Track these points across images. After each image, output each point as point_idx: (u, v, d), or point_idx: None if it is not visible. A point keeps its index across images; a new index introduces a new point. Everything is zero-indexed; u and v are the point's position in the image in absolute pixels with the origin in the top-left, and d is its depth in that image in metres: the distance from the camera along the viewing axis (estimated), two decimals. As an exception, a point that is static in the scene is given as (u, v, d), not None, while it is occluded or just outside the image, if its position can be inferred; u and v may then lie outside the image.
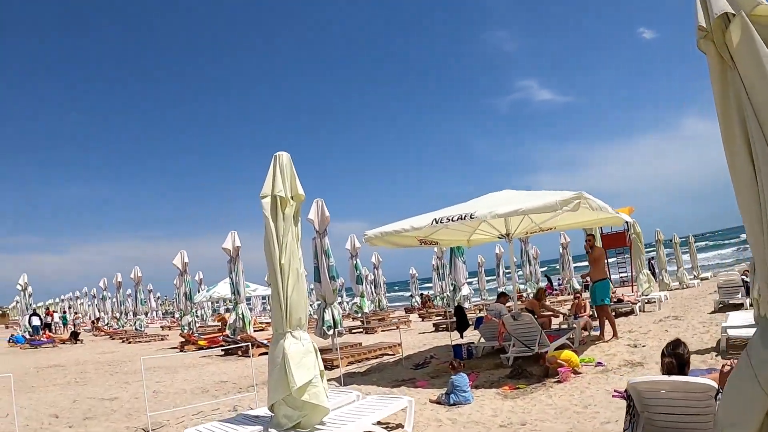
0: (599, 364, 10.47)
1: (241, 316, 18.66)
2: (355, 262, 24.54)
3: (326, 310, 15.11)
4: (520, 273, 31.12)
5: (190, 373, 15.03)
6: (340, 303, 43.45)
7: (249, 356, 17.54)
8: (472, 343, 14.07)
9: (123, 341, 28.91)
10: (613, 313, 14.38)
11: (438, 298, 38.40)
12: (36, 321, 33.09)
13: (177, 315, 46.96)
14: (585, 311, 14.83)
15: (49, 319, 38.26)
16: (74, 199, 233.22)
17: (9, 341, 29.84)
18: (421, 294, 46.33)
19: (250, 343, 17.90)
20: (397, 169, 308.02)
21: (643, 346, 11.74)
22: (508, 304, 15.11)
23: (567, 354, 10.16)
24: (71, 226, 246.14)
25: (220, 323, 30.30)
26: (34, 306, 37.43)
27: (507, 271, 33.78)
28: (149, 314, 41.95)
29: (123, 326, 35.33)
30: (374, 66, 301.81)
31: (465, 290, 22.51)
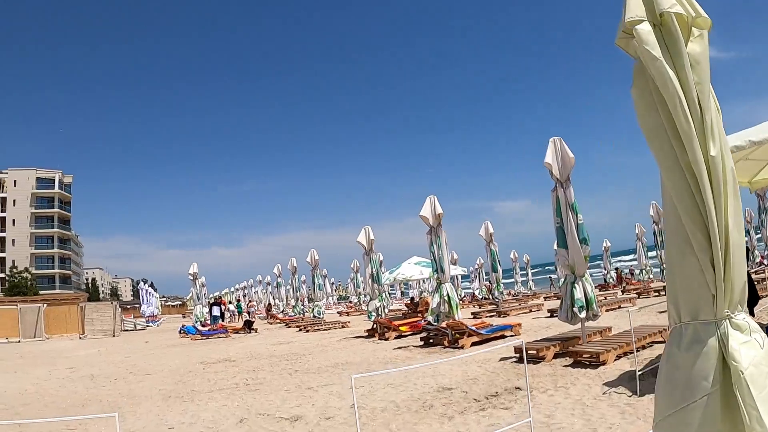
0: None
1: (446, 298, 14.46)
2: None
3: (576, 285, 10.64)
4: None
5: (391, 372, 11.07)
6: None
7: (458, 348, 13.54)
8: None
9: (300, 329, 25.96)
10: None
11: (644, 271, 32.91)
12: (217, 311, 31.83)
13: (353, 300, 44.71)
14: None
15: (223, 308, 36.77)
16: (247, 195, 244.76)
17: (180, 332, 27.92)
18: (616, 269, 40.73)
19: (461, 333, 13.98)
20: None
21: None
22: None
23: None
24: (245, 221, 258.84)
25: (407, 307, 26.72)
26: (212, 295, 36.48)
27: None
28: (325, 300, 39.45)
29: (300, 313, 32.76)
30: (523, 36, 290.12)
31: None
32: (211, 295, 42.20)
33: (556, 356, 10.77)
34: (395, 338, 17.66)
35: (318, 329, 24.72)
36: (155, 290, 70.65)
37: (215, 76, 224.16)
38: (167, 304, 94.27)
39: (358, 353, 14.92)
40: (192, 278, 30.72)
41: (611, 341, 10.63)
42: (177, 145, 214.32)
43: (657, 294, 25.38)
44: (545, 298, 34.07)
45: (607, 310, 19.37)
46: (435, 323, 14.72)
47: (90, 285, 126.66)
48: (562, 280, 11.49)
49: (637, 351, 10.47)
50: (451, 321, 14.37)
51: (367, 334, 19.54)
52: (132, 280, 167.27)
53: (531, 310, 24.28)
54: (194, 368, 14.63)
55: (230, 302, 46.67)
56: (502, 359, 11.18)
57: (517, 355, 11.00)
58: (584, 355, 10.09)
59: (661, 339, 11.32)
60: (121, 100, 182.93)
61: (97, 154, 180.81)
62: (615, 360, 9.87)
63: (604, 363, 9.61)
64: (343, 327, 25.19)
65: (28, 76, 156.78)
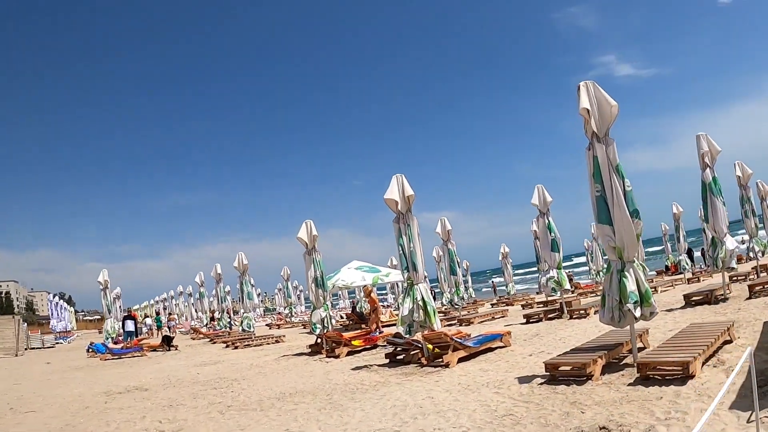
0: None
1: (420, 303, 11.19)
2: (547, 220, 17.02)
3: (626, 273, 7.68)
4: None
5: (367, 405, 7.79)
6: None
7: (442, 366, 10.38)
8: None
9: (227, 346, 22.18)
10: None
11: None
12: (130, 325, 27.29)
13: (283, 311, 40.81)
14: None
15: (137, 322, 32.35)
16: (172, 208, 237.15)
17: (88, 351, 23.68)
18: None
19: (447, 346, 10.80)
20: (484, 156, 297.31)
21: None
22: None
23: None
24: (169, 234, 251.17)
25: (346, 318, 23.47)
26: (128, 308, 32.10)
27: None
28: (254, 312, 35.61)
29: (226, 327, 28.94)
30: (445, 52, 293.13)
31: (730, 243, 14.55)
32: (126, 309, 37.76)
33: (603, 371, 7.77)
34: (347, 355, 14.37)
35: (249, 345, 21.07)
36: (71, 304, 65.07)
37: (138, 88, 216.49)
38: (85, 318, 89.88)
39: (307, 377, 11.54)
40: (102, 287, 26.31)
41: (685, 345, 7.64)
42: (102, 159, 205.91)
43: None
44: (492, 304, 31.86)
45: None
46: (407, 335, 11.48)
47: (3, 299, 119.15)
48: (606, 267, 8.45)
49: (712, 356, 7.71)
50: (428, 332, 11.17)
51: (310, 350, 16.10)
52: (49, 294, 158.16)
53: (494, 317, 21.33)
54: (93, 402, 10.90)
55: (148, 316, 42.07)
56: (522, 381, 8.09)
57: (548, 374, 7.95)
58: (654, 367, 7.08)
59: (727, 337, 8.60)
60: (35, 109, 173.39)
61: (13, 163, 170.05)
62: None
63: (692, 376, 6.63)
64: (277, 342, 21.62)
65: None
